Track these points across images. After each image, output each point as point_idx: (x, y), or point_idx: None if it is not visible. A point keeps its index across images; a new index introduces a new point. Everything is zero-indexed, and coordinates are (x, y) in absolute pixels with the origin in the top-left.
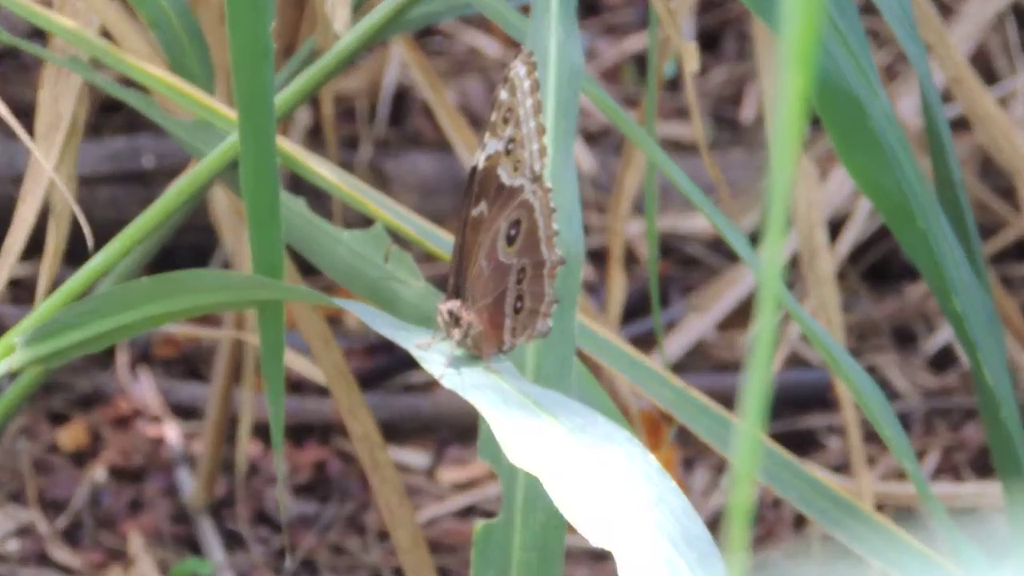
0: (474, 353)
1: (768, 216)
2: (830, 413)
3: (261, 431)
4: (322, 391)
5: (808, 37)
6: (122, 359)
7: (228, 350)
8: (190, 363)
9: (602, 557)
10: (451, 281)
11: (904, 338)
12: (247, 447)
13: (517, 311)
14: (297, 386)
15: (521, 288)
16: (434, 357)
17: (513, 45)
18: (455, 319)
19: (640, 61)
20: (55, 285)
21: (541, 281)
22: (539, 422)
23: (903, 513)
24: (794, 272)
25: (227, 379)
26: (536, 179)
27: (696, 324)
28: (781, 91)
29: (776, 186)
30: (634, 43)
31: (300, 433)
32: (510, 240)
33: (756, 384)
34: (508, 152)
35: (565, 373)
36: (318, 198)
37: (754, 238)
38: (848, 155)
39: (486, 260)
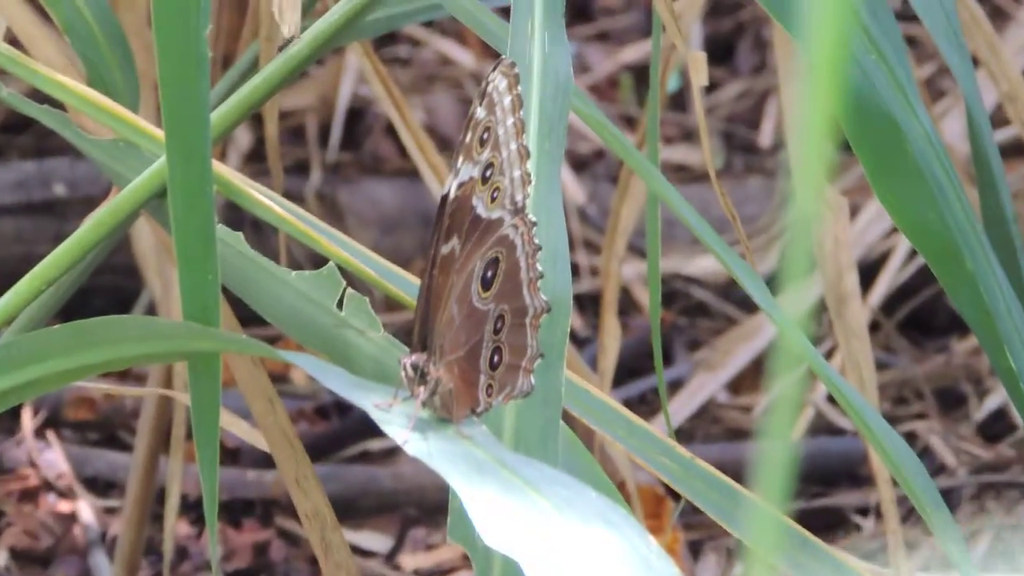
0: (443, 415)
1: (790, 257)
2: (863, 489)
3: (192, 508)
4: (265, 460)
5: (836, 46)
6: (28, 422)
7: (153, 412)
8: (108, 427)
9: None
10: (417, 331)
11: (950, 401)
12: (175, 527)
13: (494, 366)
14: (235, 455)
15: (499, 339)
16: (396, 420)
17: (490, 54)
18: (421, 375)
19: (639, 73)
20: None
21: (523, 331)
22: (519, 497)
23: None
24: (820, 323)
25: (152, 446)
26: (518, 211)
27: (705, 384)
28: (804, 110)
29: (799, 222)
30: (632, 52)
31: (238, 510)
32: (487, 283)
33: (775, 455)
34: (485, 179)
35: (550, 439)
36: (260, 233)
37: (773, 283)
38: (883, 186)
39: (458, 306)
